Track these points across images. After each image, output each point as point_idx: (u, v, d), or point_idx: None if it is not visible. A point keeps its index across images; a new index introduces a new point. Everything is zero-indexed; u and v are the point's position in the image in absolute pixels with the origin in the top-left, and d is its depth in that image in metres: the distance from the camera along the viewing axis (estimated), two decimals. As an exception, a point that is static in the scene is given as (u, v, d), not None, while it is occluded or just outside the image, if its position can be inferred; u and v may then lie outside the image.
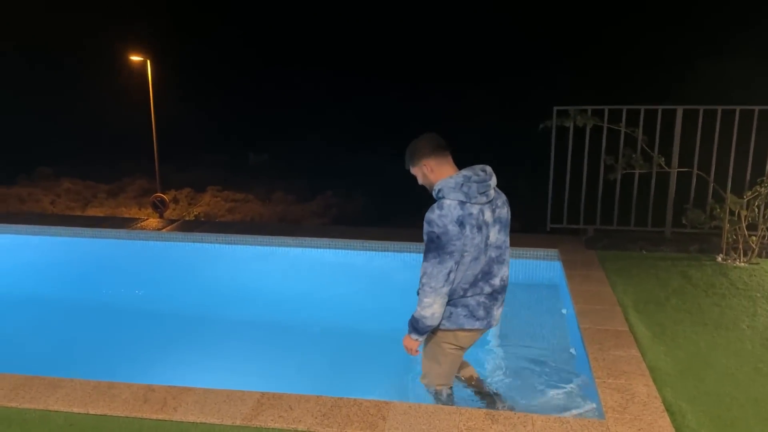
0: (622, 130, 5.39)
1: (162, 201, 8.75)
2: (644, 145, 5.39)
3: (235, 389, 3.04)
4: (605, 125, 5.40)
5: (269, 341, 4.26)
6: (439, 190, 2.80)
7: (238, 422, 2.78)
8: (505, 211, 2.97)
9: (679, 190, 5.49)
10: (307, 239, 5.70)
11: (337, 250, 5.57)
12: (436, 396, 3.20)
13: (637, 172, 5.43)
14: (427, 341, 3.15)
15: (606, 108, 5.37)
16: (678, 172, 5.45)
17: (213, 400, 2.94)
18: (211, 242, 5.78)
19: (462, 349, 3.12)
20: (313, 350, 4.14)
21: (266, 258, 5.63)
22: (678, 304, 4.17)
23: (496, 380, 3.62)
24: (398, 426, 2.72)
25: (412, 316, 2.95)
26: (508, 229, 3.01)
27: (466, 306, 2.94)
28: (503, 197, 3.00)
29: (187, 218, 10.07)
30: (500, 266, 2.98)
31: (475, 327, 2.99)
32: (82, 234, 5.97)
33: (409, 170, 2.97)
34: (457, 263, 2.77)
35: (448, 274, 2.76)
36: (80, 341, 4.29)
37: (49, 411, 2.89)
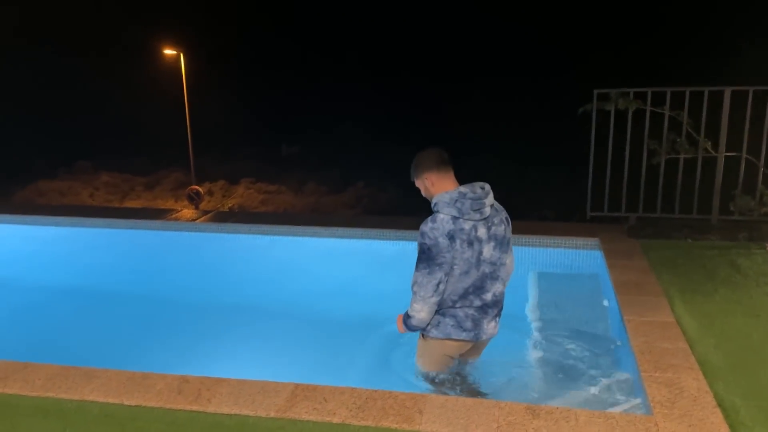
0: (666, 113, 5.18)
1: (197, 193, 8.82)
2: (689, 129, 5.16)
3: (269, 380, 2.99)
4: (648, 108, 5.19)
5: (303, 332, 4.22)
6: (435, 204, 2.96)
7: (272, 414, 2.73)
8: (501, 229, 3.06)
9: (726, 175, 5.26)
10: (340, 229, 5.64)
11: (370, 240, 5.50)
12: (425, 378, 3.29)
13: (681, 157, 5.21)
14: (420, 336, 3.25)
15: (649, 90, 5.16)
16: (725, 156, 5.21)
17: (247, 391, 2.90)
18: (244, 233, 5.78)
19: (451, 357, 3.21)
20: (347, 341, 4.08)
21: (299, 248, 5.60)
22: (727, 295, 3.98)
23: (534, 374, 3.50)
24: (435, 420, 2.64)
25: (406, 313, 3.10)
26: (506, 247, 3.11)
27: (454, 316, 3.06)
28: (502, 215, 3.10)
29: (221, 210, 10.15)
30: (494, 282, 3.08)
31: (462, 338, 3.09)
32: (118, 225, 6.03)
33: (413, 182, 3.11)
34: (447, 275, 2.92)
35: (437, 284, 2.93)
36: (115, 332, 4.31)
37: (85, 401, 2.89)
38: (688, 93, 5.13)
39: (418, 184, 3.10)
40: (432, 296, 2.95)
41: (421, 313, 3.00)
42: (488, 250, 2.99)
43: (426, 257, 2.91)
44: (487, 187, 3.02)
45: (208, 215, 6.22)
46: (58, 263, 5.79)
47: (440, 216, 2.91)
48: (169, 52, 21.21)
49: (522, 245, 5.21)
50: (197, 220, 6.00)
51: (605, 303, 4.28)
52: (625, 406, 3.10)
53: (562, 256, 5.12)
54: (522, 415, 2.66)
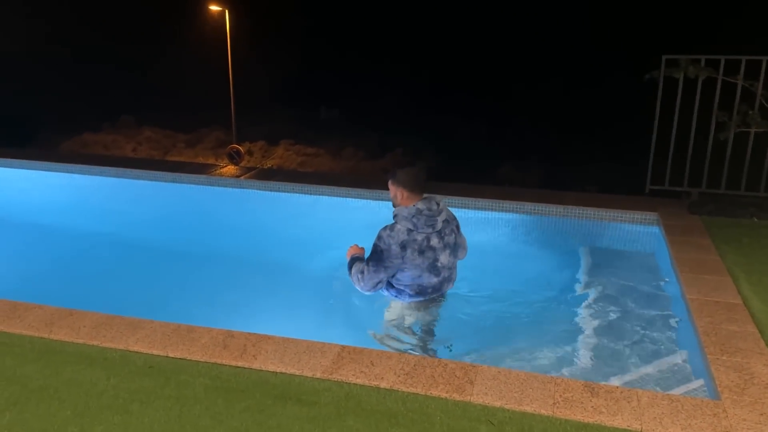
0: (739, 83, 4.84)
1: (237, 152, 8.77)
2: (764, 101, 4.82)
3: (314, 341, 2.91)
4: (720, 77, 4.86)
5: (347, 294, 4.13)
6: (396, 215, 3.41)
7: (318, 374, 2.65)
8: (452, 237, 3.50)
9: (799, 152, 4.92)
10: (385, 192, 5.47)
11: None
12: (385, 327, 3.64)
13: (753, 130, 4.88)
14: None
15: (722, 58, 4.82)
16: (800, 132, 4.87)
17: (292, 350, 2.83)
18: (288, 191, 5.69)
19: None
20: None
21: (343, 209, 5.48)
22: (798, 279, 3.73)
23: (588, 350, 3.35)
24: (487, 392, 2.52)
25: (353, 264, 3.55)
26: (456, 251, 3.58)
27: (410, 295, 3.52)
28: (453, 225, 3.53)
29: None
30: (448, 283, 3.60)
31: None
32: (163, 178, 6.00)
33: (389, 182, 3.51)
34: (389, 277, 3.42)
35: (377, 283, 3.42)
36: (160, 284, 4.30)
37: (130, 351, 2.86)
38: (765, 62, 4.78)
39: (392, 188, 3.49)
40: (368, 290, 3.47)
41: (356, 285, 3.53)
42: (444, 257, 3.44)
43: (377, 258, 3.37)
44: (442, 203, 3.45)
45: (252, 172, 6.15)
46: (105, 214, 5.82)
47: (397, 226, 3.35)
48: (214, 8, 21.11)
49: (575, 217, 5.00)
50: (241, 177, 5.94)
51: (665, 280, 4.07)
52: (685, 388, 2.93)
53: (618, 231, 4.89)
54: (580, 392, 2.52)
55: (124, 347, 2.88)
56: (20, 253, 4.98)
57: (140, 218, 5.65)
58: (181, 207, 5.88)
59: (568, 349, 3.37)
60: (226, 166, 6.38)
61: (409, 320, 3.60)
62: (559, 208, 5.02)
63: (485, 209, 5.18)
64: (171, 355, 2.82)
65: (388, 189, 5.45)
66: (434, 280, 3.46)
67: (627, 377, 3.07)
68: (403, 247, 3.31)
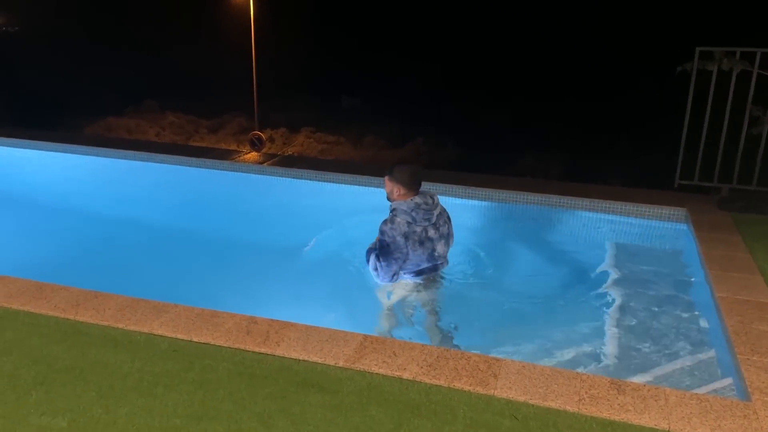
0: (775, 77, 4.71)
1: (259, 139, 8.76)
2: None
3: (337, 329, 2.90)
4: (755, 71, 4.73)
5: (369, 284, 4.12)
6: (394, 209, 3.58)
7: (341, 363, 2.64)
8: (446, 228, 3.72)
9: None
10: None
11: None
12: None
13: (787, 126, 4.76)
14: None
15: (758, 51, 4.69)
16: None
17: (315, 338, 2.82)
18: (310, 179, 5.68)
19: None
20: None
21: (366, 198, 5.46)
22: (832, 280, 3.63)
23: (616, 349, 3.29)
24: (511, 386, 2.49)
25: (371, 260, 3.68)
26: (450, 240, 3.78)
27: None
28: (445, 216, 3.75)
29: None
30: (444, 266, 3.81)
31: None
32: (188, 163, 6.03)
33: (385, 176, 3.65)
34: (401, 267, 3.60)
35: (393, 274, 3.60)
36: (185, 268, 4.31)
37: (154, 335, 2.87)
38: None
39: (389, 183, 3.62)
40: (389, 281, 3.64)
41: (375, 279, 3.71)
42: (441, 247, 3.67)
43: (386, 252, 3.55)
44: (436, 198, 3.67)
45: (275, 159, 6.15)
46: (132, 198, 5.86)
47: (398, 219, 3.53)
48: (238, -6, 21.08)
49: (601, 211, 4.92)
50: (264, 164, 5.94)
51: (692, 278, 3.99)
52: (712, 387, 2.88)
53: (645, 226, 4.81)
54: (606, 389, 2.48)
55: (148, 330, 2.90)
56: (46, 235, 5.04)
57: (166, 203, 5.69)
58: (205, 192, 5.91)
59: (593, 344, 3.32)
60: (248, 152, 6.40)
61: (411, 299, 3.71)
62: (584, 202, 4.95)
63: (509, 201, 5.13)
64: (195, 339, 2.83)
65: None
66: (431, 266, 3.72)
67: (653, 375, 3.02)
68: (406, 237, 3.52)
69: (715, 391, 2.76)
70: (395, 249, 3.53)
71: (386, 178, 3.64)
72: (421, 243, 3.57)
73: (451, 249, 3.84)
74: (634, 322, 3.51)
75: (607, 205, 4.89)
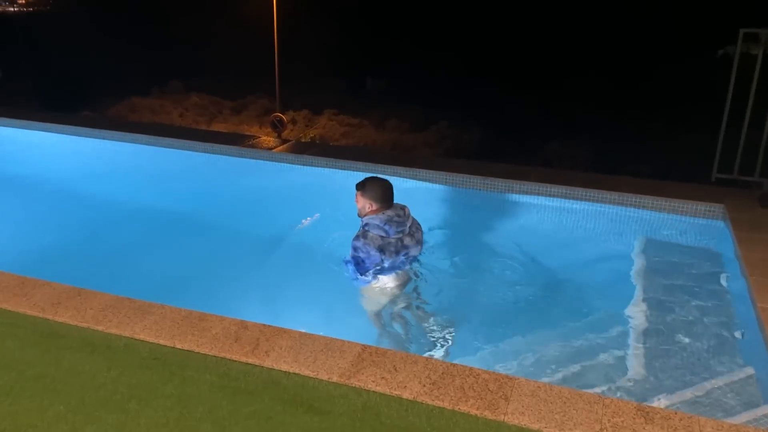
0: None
1: (281, 121, 8.57)
2: None
3: (334, 337, 2.65)
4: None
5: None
6: (366, 224, 3.51)
7: (334, 378, 2.39)
8: (420, 234, 3.70)
9: None
10: (422, 171, 5.15)
11: (455, 188, 4.98)
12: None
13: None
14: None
15: (811, 33, 4.26)
16: None
17: (309, 347, 2.57)
18: (321, 166, 5.40)
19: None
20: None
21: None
22: None
23: (641, 365, 2.99)
24: (524, 410, 2.21)
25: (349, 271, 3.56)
26: (421, 242, 3.72)
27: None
28: (416, 224, 3.70)
29: (303, 140, 9.88)
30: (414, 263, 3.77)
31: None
32: (194, 148, 5.79)
33: (357, 191, 3.57)
34: (377, 274, 3.54)
35: (371, 281, 3.54)
36: (178, 262, 4.07)
37: (135, 339, 2.65)
38: None
39: (361, 199, 3.55)
40: (369, 284, 3.56)
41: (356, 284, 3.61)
42: (414, 251, 3.65)
43: (362, 268, 3.48)
44: (407, 209, 3.62)
45: (286, 145, 5.90)
46: (130, 185, 5.60)
47: (370, 234, 3.47)
48: (261, -28, 20.75)
49: (630, 205, 4.56)
50: (275, 149, 5.68)
51: (727, 284, 3.64)
52: (752, 416, 2.56)
53: (677, 223, 4.44)
54: (631, 417, 2.19)
55: (129, 334, 2.68)
56: (34, 224, 4.83)
57: (166, 191, 5.43)
58: (210, 180, 5.65)
59: (616, 359, 3.02)
60: (265, 135, 6.15)
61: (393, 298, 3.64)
62: (612, 195, 4.60)
63: (532, 193, 4.79)
64: (179, 346, 2.60)
65: (426, 168, 5.17)
66: (406, 266, 3.70)
67: (684, 397, 2.71)
68: (382, 250, 3.46)
69: (755, 421, 2.45)
70: (371, 263, 3.48)
71: (358, 193, 3.56)
72: (397, 252, 3.54)
73: (466, 242, 3.87)
74: (662, 335, 3.18)
75: (637, 200, 4.54)
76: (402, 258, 3.59)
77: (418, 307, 3.64)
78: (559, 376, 2.91)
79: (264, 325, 2.74)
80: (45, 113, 7.29)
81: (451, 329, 3.45)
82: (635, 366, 2.99)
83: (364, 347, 2.59)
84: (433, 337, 3.42)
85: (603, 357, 3.03)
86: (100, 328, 2.72)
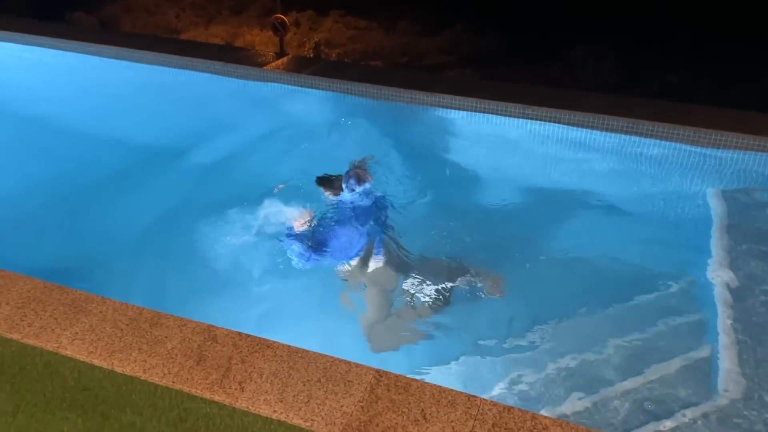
0: None
1: (282, 23, 7.55)
2: None
3: (334, 357, 1.90)
4: None
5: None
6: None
7: (336, 431, 1.66)
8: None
9: None
10: (446, 97, 4.19)
11: (488, 116, 4.05)
12: None
13: None
14: None
15: None
16: None
17: (302, 376, 1.83)
18: (322, 88, 4.43)
19: None
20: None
21: (387, 117, 4.24)
22: None
23: (727, 379, 2.22)
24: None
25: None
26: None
27: None
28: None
29: (306, 47, 8.78)
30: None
31: None
32: (170, 63, 4.78)
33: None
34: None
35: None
36: (138, 222, 3.15)
37: (60, 356, 1.91)
38: None
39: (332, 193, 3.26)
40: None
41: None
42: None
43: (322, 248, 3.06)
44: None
45: (281, 60, 4.90)
46: (86, 111, 4.55)
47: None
48: None
49: (690, 143, 3.59)
50: (266, 66, 4.69)
51: None
52: None
53: (762, 165, 3.53)
54: None
55: (54, 347, 1.94)
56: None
57: (130, 119, 4.35)
58: (184, 107, 4.60)
59: (692, 370, 2.27)
60: (254, 48, 5.16)
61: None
62: (686, 132, 3.63)
63: (584, 126, 3.83)
64: (118, 368, 1.86)
65: (447, 93, 4.24)
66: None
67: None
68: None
69: None
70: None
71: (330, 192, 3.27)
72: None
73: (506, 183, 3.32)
74: (758, 334, 2.40)
75: (705, 136, 3.57)
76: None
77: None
78: (606, 390, 2.18)
79: (239, 334, 1.99)
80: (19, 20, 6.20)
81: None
82: (722, 378, 2.23)
83: (381, 375, 1.84)
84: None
85: (678, 353, 2.28)
86: (14, 336, 1.97)
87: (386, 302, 2.85)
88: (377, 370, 1.86)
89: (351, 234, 3.08)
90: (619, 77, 8.03)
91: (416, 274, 2.88)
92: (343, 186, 3.26)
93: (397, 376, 1.85)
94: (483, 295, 2.79)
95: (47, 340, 1.96)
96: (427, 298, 2.82)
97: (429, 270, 2.94)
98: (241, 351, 1.92)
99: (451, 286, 2.84)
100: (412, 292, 2.85)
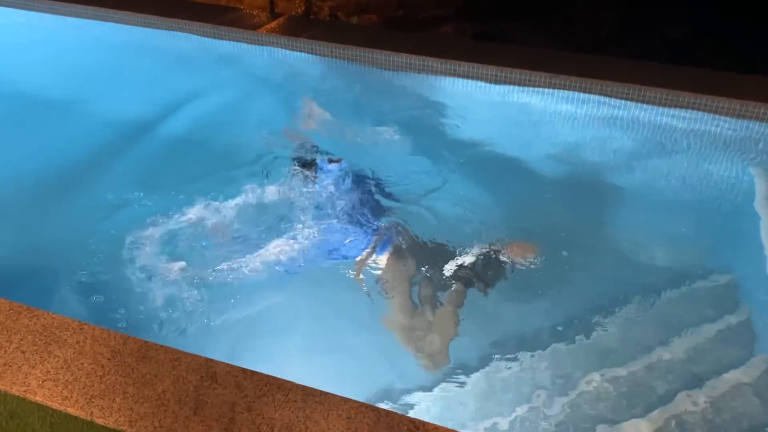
0: None
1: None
2: None
3: (369, 405, 1.58)
4: None
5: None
6: None
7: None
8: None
9: None
10: (463, 64, 3.78)
11: (507, 87, 3.65)
12: None
13: None
14: None
15: None
16: None
17: (333, 424, 1.50)
18: (323, 54, 4.00)
19: None
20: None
21: (396, 84, 3.84)
22: None
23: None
24: None
25: None
26: None
27: None
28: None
29: (297, 1, 8.17)
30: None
31: None
32: (155, 25, 4.30)
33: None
34: None
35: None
36: (108, 189, 2.77)
37: (27, 401, 1.60)
38: None
39: None
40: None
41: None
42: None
43: None
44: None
45: (277, 21, 4.44)
46: (56, 74, 4.09)
47: None
48: None
49: (754, 118, 3.26)
50: (261, 29, 4.23)
51: None
52: None
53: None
54: None
55: (20, 391, 1.61)
56: None
57: (106, 92, 3.90)
58: (163, 71, 4.12)
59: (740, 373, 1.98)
60: (246, 8, 4.67)
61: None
62: (732, 105, 3.27)
63: (616, 96, 3.45)
64: (98, 419, 1.54)
65: (463, 59, 3.83)
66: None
67: None
68: None
69: None
70: None
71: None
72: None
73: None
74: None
75: (739, 107, 3.23)
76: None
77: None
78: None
79: (243, 371, 1.67)
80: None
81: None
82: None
83: (415, 427, 1.52)
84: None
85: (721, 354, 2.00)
86: (-29, 378, 1.64)
87: (409, 301, 2.53)
88: (412, 420, 1.55)
89: (354, 227, 2.75)
90: (621, 31, 7.65)
91: (435, 261, 2.58)
92: (318, 164, 2.98)
93: (436, 427, 1.54)
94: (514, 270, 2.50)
95: (12, 382, 1.63)
96: (455, 284, 2.53)
97: (446, 255, 2.64)
98: (246, 395, 1.60)
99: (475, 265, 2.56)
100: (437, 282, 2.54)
